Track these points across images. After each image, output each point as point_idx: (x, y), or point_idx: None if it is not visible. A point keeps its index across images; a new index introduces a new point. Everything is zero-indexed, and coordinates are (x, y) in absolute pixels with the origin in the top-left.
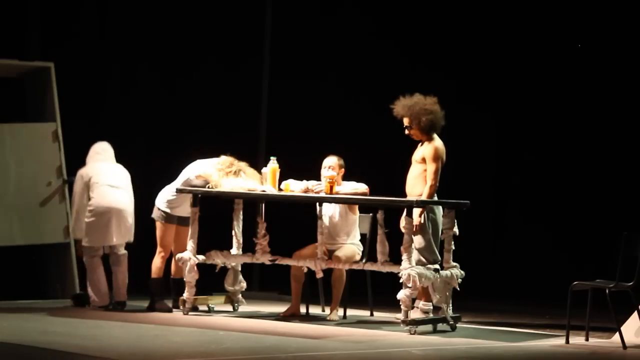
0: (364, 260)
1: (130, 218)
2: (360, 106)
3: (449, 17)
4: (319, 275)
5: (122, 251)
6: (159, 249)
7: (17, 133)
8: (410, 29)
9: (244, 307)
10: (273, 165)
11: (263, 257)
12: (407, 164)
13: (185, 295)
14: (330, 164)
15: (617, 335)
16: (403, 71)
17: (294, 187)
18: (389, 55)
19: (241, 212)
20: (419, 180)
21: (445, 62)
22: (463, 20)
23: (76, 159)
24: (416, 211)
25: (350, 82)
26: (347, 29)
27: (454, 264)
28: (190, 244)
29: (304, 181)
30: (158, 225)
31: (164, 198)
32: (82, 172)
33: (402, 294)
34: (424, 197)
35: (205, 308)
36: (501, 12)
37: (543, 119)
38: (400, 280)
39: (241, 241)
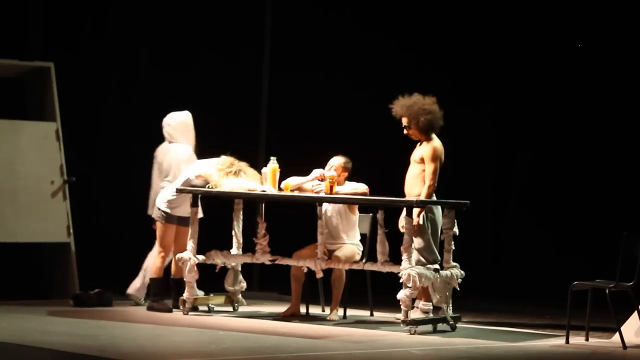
0: (364, 260)
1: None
2: (360, 107)
3: (450, 14)
4: (319, 275)
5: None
6: (159, 249)
7: (20, 130)
8: (411, 27)
9: (244, 307)
10: (273, 165)
11: (263, 257)
12: (407, 164)
13: (185, 295)
14: (334, 164)
15: (617, 335)
16: (402, 71)
17: (296, 182)
18: (390, 55)
19: (241, 212)
20: (418, 180)
21: (446, 60)
22: (464, 18)
23: (76, 158)
24: (415, 211)
25: (349, 83)
26: (347, 29)
27: (454, 264)
28: (190, 244)
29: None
30: (158, 225)
31: (164, 198)
32: None
33: (402, 294)
34: (422, 197)
35: (205, 308)
36: (501, 9)
37: (543, 119)
38: (400, 280)
39: (241, 241)
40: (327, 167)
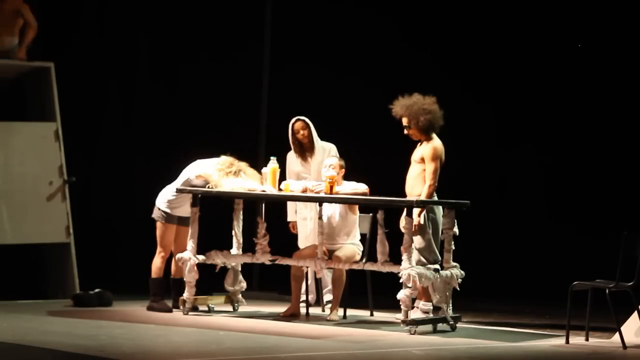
0: (364, 260)
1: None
2: (360, 107)
3: (454, 11)
4: (319, 275)
5: None
6: (159, 249)
7: (18, 132)
8: (415, 25)
9: (244, 307)
10: (273, 165)
11: (263, 257)
12: (407, 164)
13: (185, 295)
14: (331, 164)
15: (617, 335)
16: (403, 70)
17: (294, 187)
18: (391, 55)
19: (241, 212)
20: (418, 180)
21: (449, 59)
22: (467, 15)
23: (77, 158)
24: (416, 211)
25: (349, 83)
26: (347, 29)
27: (454, 264)
28: (190, 244)
29: (303, 181)
30: (158, 225)
31: (164, 198)
32: None
33: (402, 294)
34: (423, 197)
35: (205, 308)
36: (504, 9)
37: (544, 119)
38: (400, 280)
39: (241, 241)
40: (324, 168)
